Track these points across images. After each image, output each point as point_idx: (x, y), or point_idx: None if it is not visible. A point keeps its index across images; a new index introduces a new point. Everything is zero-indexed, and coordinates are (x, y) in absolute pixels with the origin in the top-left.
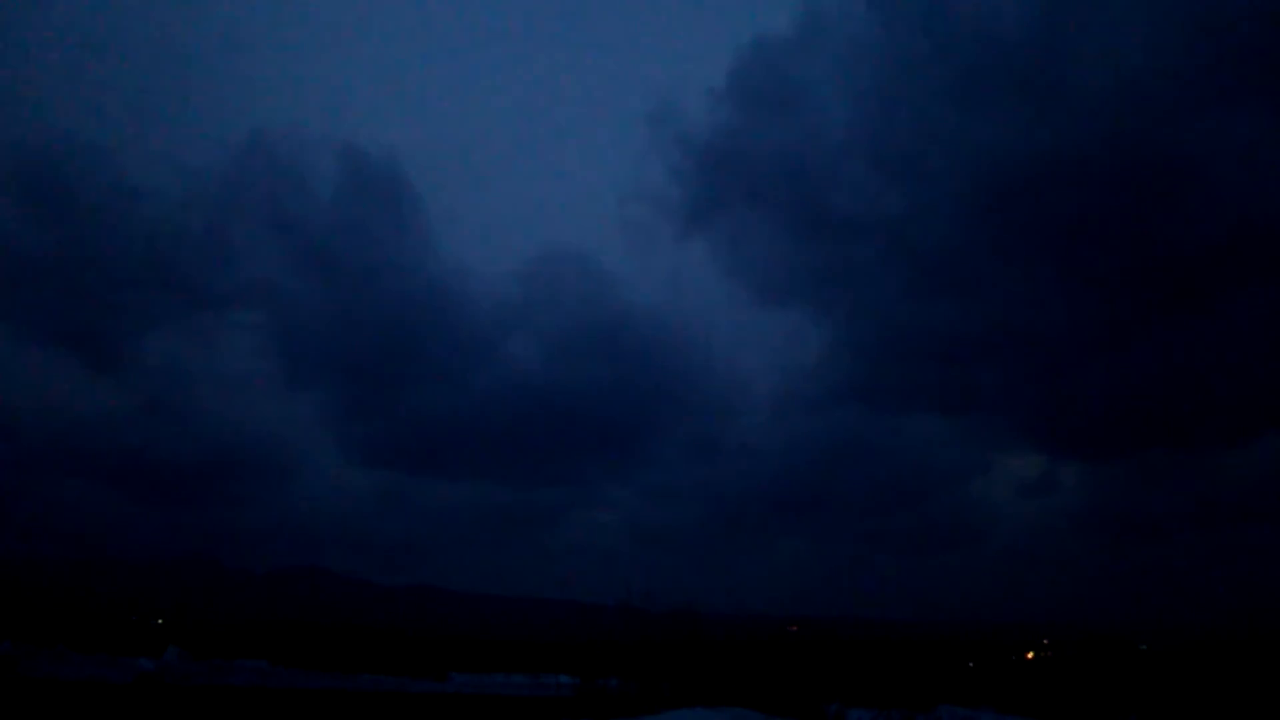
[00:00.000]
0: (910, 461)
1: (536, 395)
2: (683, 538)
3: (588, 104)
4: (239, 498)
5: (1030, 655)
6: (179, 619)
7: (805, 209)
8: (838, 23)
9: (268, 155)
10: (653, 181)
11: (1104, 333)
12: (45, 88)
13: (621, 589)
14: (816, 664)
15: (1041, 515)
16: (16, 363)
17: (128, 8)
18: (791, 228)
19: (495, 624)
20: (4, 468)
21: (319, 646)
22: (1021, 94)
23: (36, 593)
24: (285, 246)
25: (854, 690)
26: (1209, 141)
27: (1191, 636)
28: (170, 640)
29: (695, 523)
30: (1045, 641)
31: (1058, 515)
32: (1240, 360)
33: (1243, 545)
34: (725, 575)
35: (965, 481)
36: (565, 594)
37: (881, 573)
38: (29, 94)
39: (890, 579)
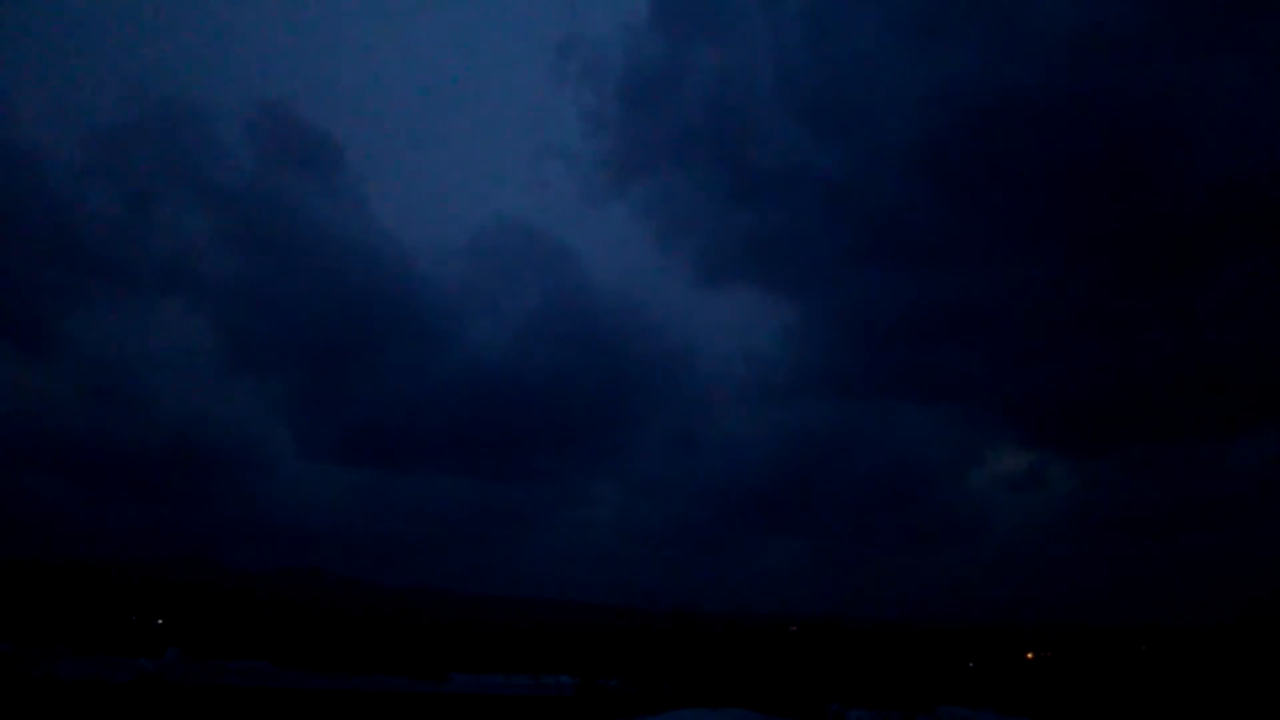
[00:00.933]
0: (896, 457)
1: (504, 384)
2: (673, 536)
3: (500, 49)
4: (210, 494)
5: (1030, 655)
6: (179, 619)
7: (738, 168)
8: None
9: (178, 116)
10: (574, 139)
11: (1085, 310)
12: None
13: (618, 589)
14: (816, 664)
15: (1036, 513)
16: None
17: None
18: (726, 189)
19: (495, 624)
20: None
21: (319, 647)
22: (980, 28)
23: (36, 592)
24: (213, 219)
25: (854, 690)
26: (1200, 86)
27: (1192, 635)
28: (170, 640)
29: (684, 520)
30: (1045, 642)
31: (1054, 513)
32: (1237, 341)
33: (1243, 542)
34: (719, 574)
35: (956, 478)
36: (563, 594)
37: (878, 572)
38: None
39: (886, 578)
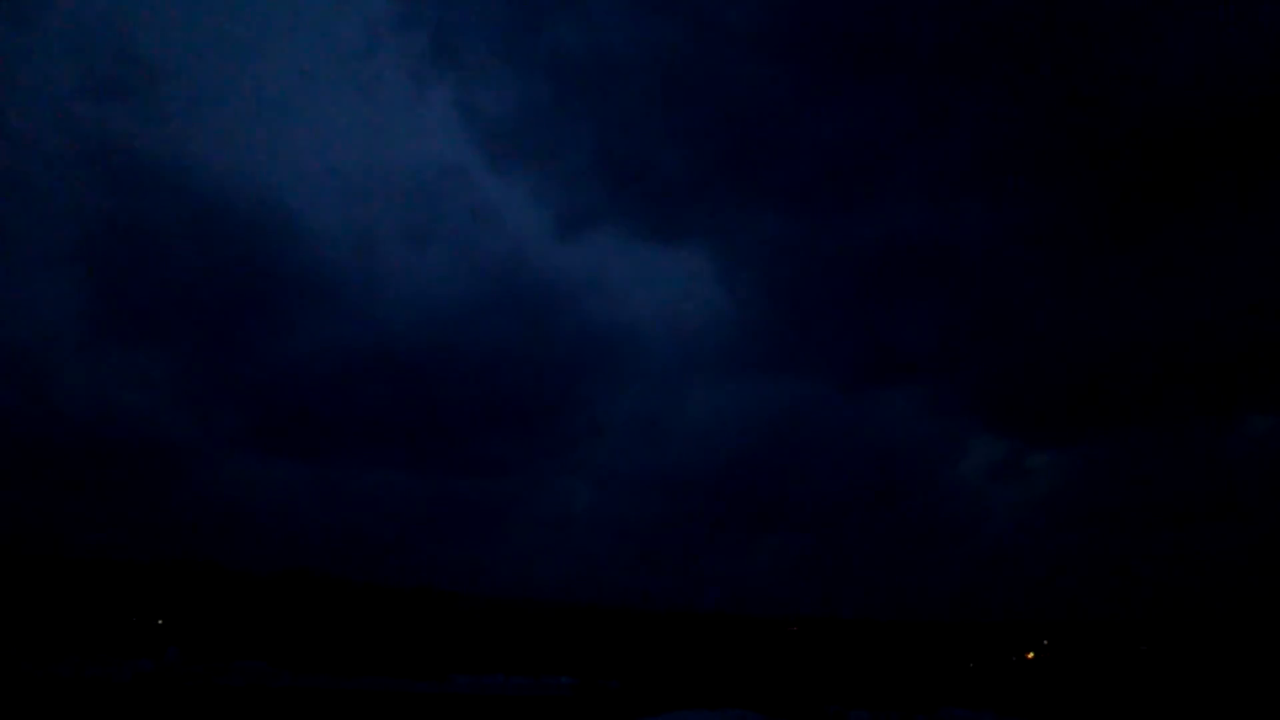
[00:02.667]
0: (864, 444)
1: (431, 363)
2: (661, 533)
3: None
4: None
5: (1030, 655)
6: (179, 620)
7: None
8: None
9: None
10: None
11: (1057, 267)
12: None
13: (614, 589)
14: (816, 664)
15: (1030, 506)
16: None
17: None
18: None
19: (494, 625)
20: None
21: (319, 647)
22: None
23: (37, 593)
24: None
25: (854, 690)
26: None
27: (1193, 631)
28: (170, 641)
29: (666, 517)
30: (1045, 642)
31: (1048, 507)
32: (1238, 305)
33: (1245, 538)
34: (716, 573)
35: (938, 468)
36: (561, 595)
37: (876, 571)
38: None
39: (884, 577)
